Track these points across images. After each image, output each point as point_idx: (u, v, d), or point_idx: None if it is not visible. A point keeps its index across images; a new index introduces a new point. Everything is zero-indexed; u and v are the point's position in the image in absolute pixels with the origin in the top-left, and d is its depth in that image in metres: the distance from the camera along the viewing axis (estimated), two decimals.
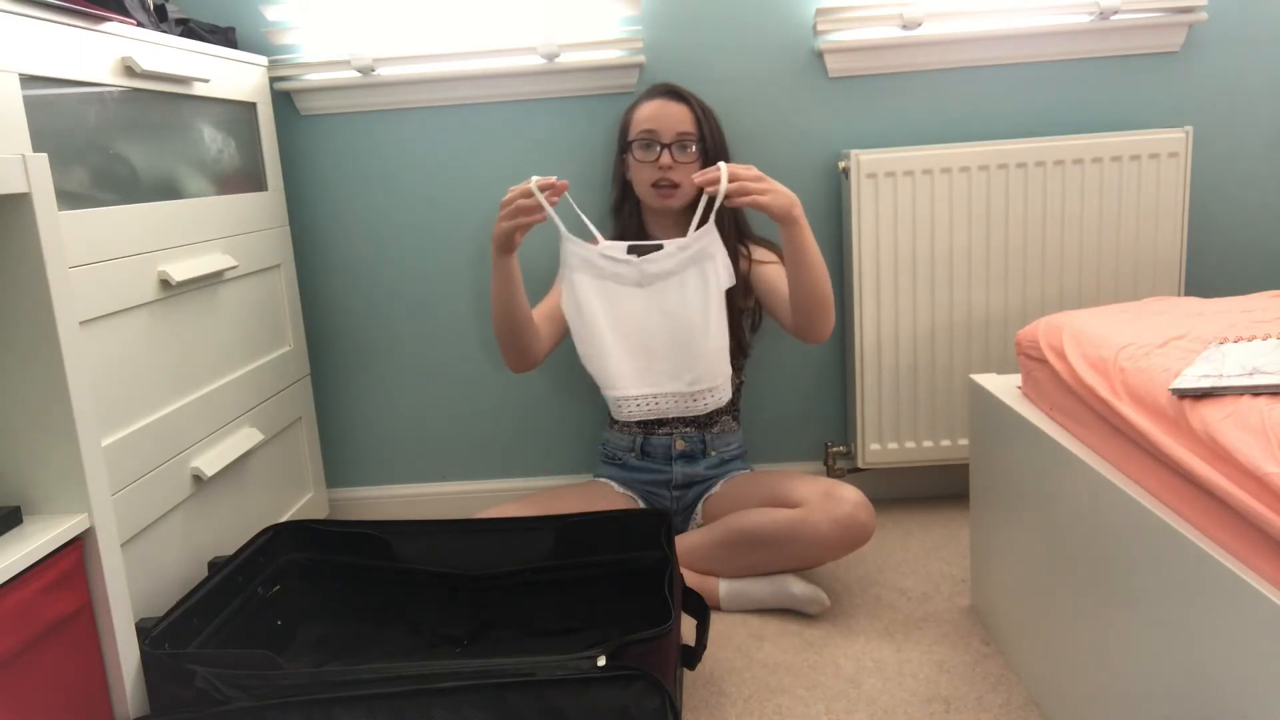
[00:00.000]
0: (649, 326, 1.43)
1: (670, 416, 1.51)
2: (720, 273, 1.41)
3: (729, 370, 1.45)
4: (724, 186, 1.34)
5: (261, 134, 1.75)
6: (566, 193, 1.37)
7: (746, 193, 1.36)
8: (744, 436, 1.81)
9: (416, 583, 1.44)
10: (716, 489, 1.69)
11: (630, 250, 1.42)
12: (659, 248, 1.42)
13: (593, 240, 1.45)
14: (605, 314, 1.43)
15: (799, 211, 1.42)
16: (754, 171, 1.38)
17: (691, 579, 1.54)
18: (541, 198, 1.34)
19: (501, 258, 1.44)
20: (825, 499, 1.50)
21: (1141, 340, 1.09)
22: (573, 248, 1.43)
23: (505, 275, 1.46)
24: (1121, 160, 1.73)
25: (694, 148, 1.63)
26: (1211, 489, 0.83)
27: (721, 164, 1.36)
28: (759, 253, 1.69)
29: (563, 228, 1.41)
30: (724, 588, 1.56)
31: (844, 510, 1.48)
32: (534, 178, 1.35)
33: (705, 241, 1.41)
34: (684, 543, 1.57)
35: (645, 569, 1.39)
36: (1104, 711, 1.04)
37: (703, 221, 1.41)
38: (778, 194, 1.39)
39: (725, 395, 1.45)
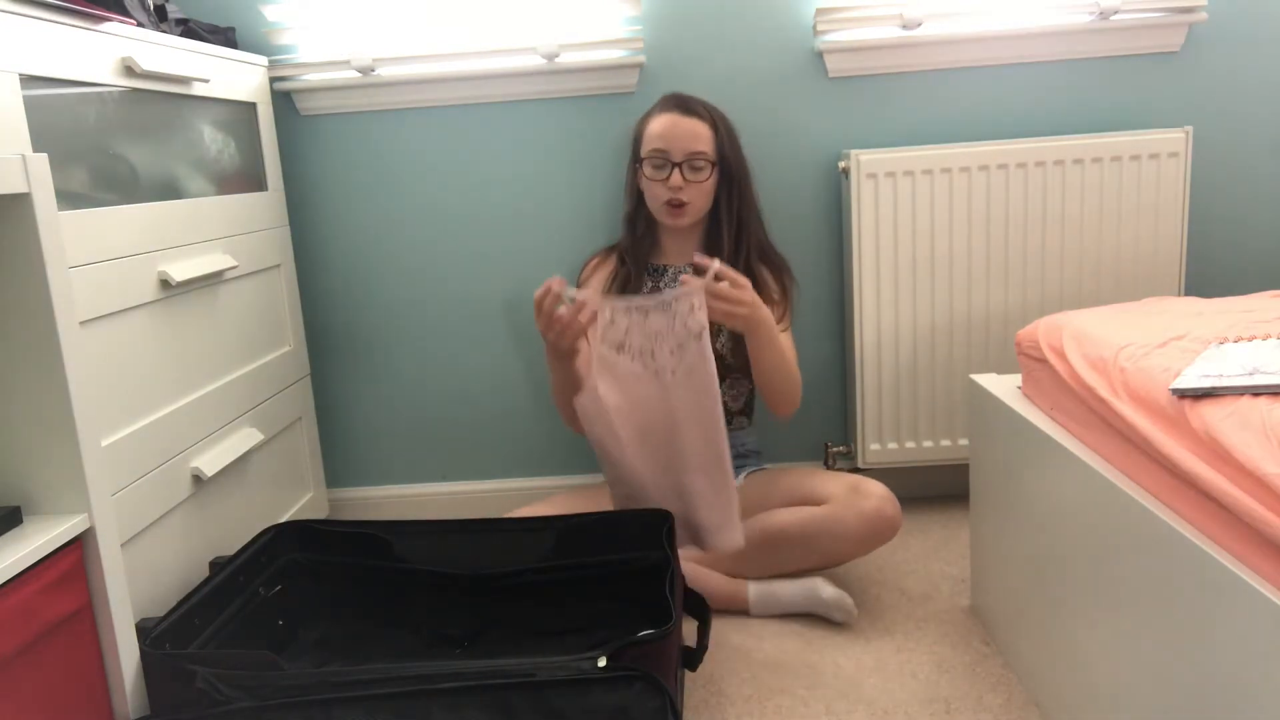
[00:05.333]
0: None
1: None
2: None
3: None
4: (711, 273, 1.34)
5: (261, 134, 1.75)
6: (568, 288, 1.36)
7: (721, 300, 1.35)
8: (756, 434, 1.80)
9: (417, 583, 1.44)
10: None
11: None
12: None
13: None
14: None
15: (754, 324, 1.43)
16: (736, 293, 1.36)
17: (721, 582, 1.54)
18: (573, 292, 1.33)
19: (561, 362, 1.45)
20: (852, 494, 1.50)
21: (1141, 340, 1.09)
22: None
23: (565, 376, 1.47)
24: (1121, 160, 1.73)
25: (706, 166, 1.60)
26: (1211, 490, 0.83)
27: (716, 261, 1.35)
28: (766, 274, 1.67)
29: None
30: (753, 591, 1.54)
31: (871, 505, 1.48)
32: (562, 288, 1.32)
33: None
34: None
35: (647, 569, 1.39)
36: (1104, 711, 1.04)
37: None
38: (737, 318, 1.39)
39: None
